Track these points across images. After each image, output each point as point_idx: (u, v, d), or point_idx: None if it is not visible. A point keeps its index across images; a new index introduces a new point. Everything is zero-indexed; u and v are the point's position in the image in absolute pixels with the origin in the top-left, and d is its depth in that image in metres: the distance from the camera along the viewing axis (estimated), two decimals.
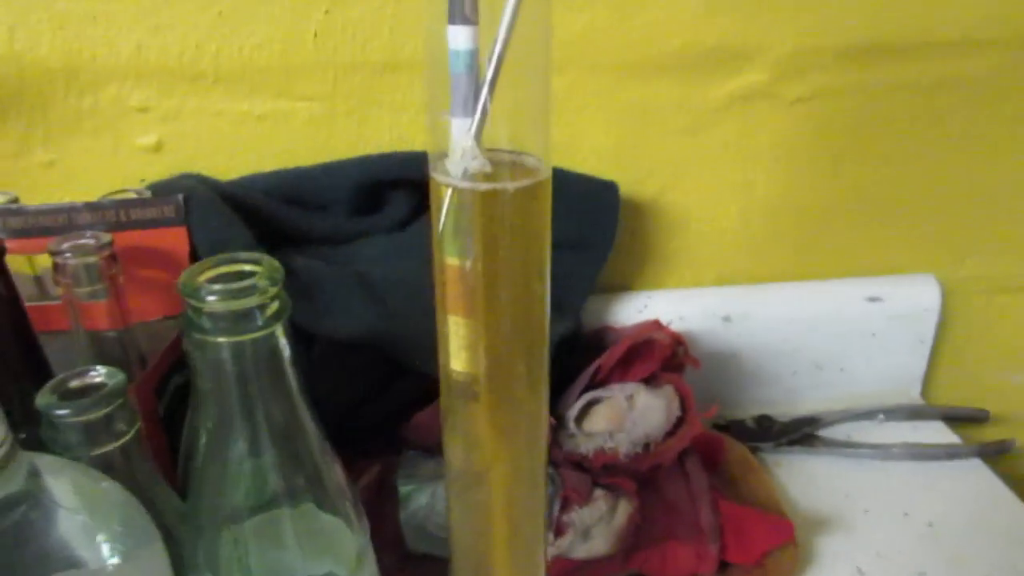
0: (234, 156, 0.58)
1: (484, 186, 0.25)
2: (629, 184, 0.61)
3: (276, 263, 0.27)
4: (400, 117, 0.58)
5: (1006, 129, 0.64)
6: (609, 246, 0.59)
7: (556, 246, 0.54)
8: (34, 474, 0.24)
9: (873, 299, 0.67)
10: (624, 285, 0.65)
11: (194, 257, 0.49)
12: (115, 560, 0.25)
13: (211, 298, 0.26)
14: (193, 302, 0.26)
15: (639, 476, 0.49)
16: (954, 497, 0.60)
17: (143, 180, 0.54)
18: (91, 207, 0.47)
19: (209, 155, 0.57)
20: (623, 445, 0.48)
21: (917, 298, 0.68)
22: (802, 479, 0.62)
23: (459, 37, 0.25)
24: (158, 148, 0.57)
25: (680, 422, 0.50)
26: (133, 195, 0.50)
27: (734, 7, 0.57)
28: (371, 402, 0.52)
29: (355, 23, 0.55)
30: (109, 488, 0.27)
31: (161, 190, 0.51)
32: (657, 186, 0.63)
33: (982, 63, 0.61)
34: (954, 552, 0.55)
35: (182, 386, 0.47)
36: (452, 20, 0.24)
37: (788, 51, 0.59)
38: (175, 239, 0.49)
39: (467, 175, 0.25)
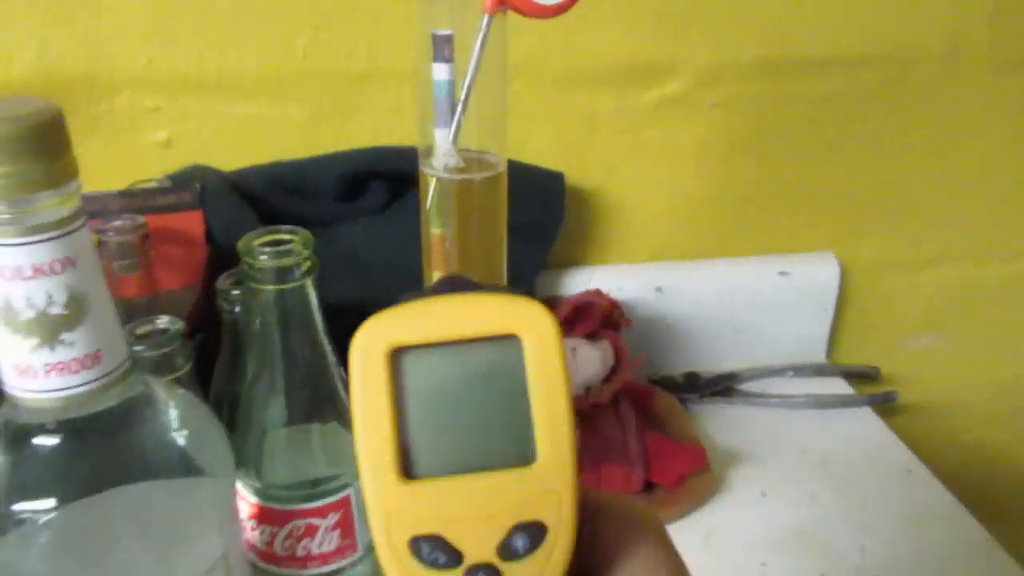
0: (235, 151, 0.67)
1: (458, 177, 0.36)
2: (573, 176, 0.72)
3: (309, 234, 0.37)
4: (378, 118, 0.68)
5: (892, 132, 0.76)
6: (557, 227, 0.69)
7: (512, 229, 0.65)
8: (147, 384, 0.33)
9: (783, 273, 0.79)
10: (572, 261, 0.76)
11: (209, 237, 0.58)
12: (203, 451, 0.34)
13: (263, 257, 0.35)
14: (249, 260, 0.36)
15: (580, 414, 0.60)
16: (845, 437, 0.72)
17: (164, 172, 0.63)
18: (122, 195, 0.57)
19: (213, 150, 0.67)
20: None
21: (819, 273, 0.80)
22: (721, 424, 0.73)
23: (441, 71, 0.35)
24: (168, 144, 0.66)
25: (615, 370, 0.61)
26: (155, 184, 0.59)
27: (659, 28, 0.68)
28: None
29: (338, 40, 0.65)
30: (193, 398, 0.36)
31: (178, 180, 0.60)
32: (598, 178, 0.73)
33: (870, 76, 0.73)
34: (840, 479, 0.67)
35: (202, 344, 0.57)
36: (436, 59, 0.35)
37: (705, 65, 0.70)
38: (192, 221, 0.58)
39: (447, 169, 0.36)
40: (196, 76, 0.64)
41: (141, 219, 0.53)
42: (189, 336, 0.56)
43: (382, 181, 0.66)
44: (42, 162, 0.28)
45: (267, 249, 0.36)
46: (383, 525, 0.19)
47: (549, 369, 0.19)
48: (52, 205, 0.28)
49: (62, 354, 0.29)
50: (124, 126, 0.65)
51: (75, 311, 0.29)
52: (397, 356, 0.19)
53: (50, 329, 0.29)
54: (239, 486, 0.40)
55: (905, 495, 0.65)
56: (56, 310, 0.29)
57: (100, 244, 0.52)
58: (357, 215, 0.65)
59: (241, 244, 0.36)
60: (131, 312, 0.56)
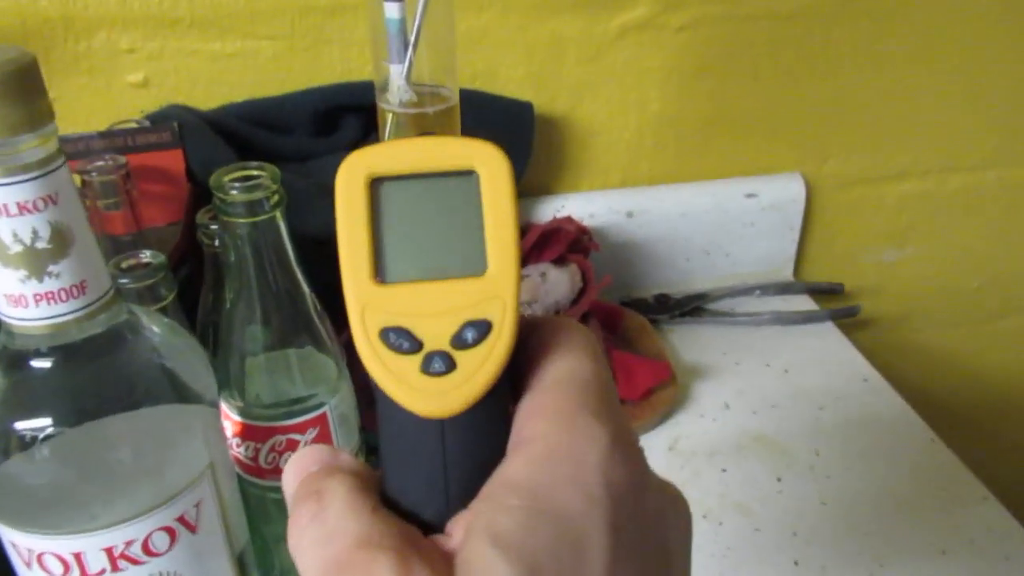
0: (210, 88, 0.69)
1: (413, 111, 0.38)
2: (543, 104, 0.74)
3: (275, 168, 0.39)
4: (349, 51, 0.69)
5: (855, 50, 0.78)
6: (527, 156, 0.71)
7: None
8: (131, 311, 0.36)
9: (750, 195, 0.81)
10: (543, 189, 0.78)
11: (189, 174, 0.61)
12: (186, 369, 0.37)
13: (233, 192, 0.38)
14: (221, 195, 0.38)
15: None
16: (807, 351, 0.76)
17: (142, 111, 0.65)
18: (103, 135, 0.59)
19: (189, 88, 0.68)
20: (538, 311, 0.62)
21: (786, 193, 0.82)
22: (690, 342, 0.76)
23: (392, 10, 0.37)
24: (145, 84, 0.68)
25: (583, 292, 0.64)
26: (135, 124, 0.61)
27: None
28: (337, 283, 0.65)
29: None
30: (173, 323, 0.39)
31: (157, 119, 0.62)
32: (567, 105, 0.75)
33: None
34: (800, 389, 0.70)
35: (186, 278, 0.59)
36: None
37: None
38: (173, 159, 0.60)
39: (402, 104, 0.38)
40: (170, 14, 0.65)
41: (122, 159, 0.55)
42: (174, 270, 0.59)
43: (355, 115, 0.68)
44: (21, 106, 0.30)
45: (237, 184, 0.38)
46: (359, 318, 0.23)
47: (500, 197, 0.23)
48: (32, 146, 0.31)
49: (50, 284, 0.32)
50: (102, 66, 0.67)
51: (59, 244, 0.32)
52: (374, 184, 0.23)
53: (37, 262, 0.32)
54: (223, 406, 0.43)
55: (859, 403, 0.69)
56: (42, 244, 0.32)
57: (84, 184, 0.55)
58: (332, 149, 0.67)
59: (213, 180, 0.38)
60: (118, 249, 0.59)
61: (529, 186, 0.77)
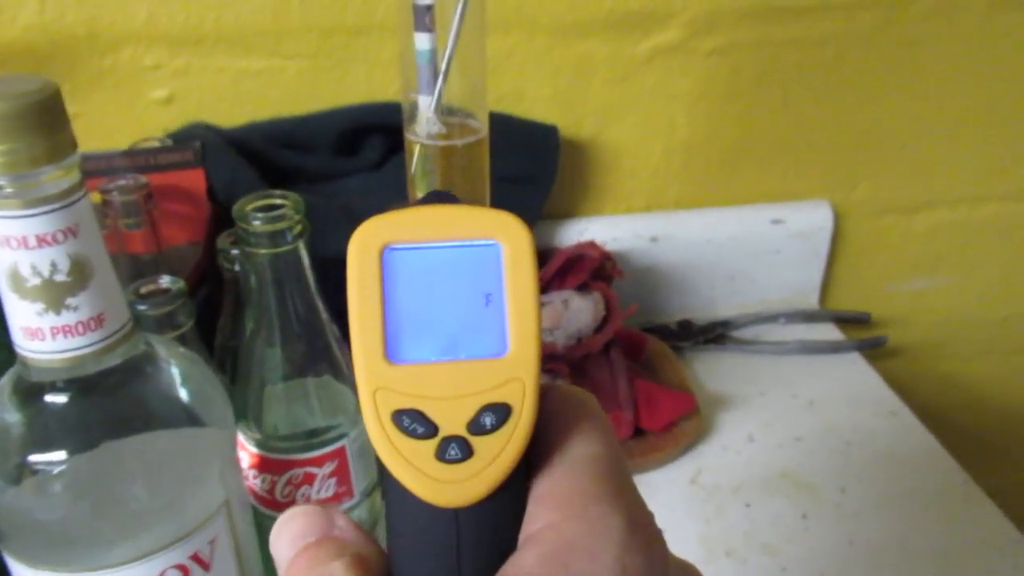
0: (234, 106, 0.68)
1: (441, 143, 0.37)
2: (568, 127, 0.73)
3: (299, 198, 0.39)
4: (374, 71, 0.69)
5: (886, 76, 0.76)
6: (551, 180, 0.70)
7: (507, 180, 0.66)
8: (148, 343, 0.35)
9: (776, 221, 0.80)
10: (567, 213, 0.77)
11: (211, 194, 0.60)
12: (202, 404, 0.37)
13: (256, 222, 0.37)
14: (243, 225, 0.37)
15: (572, 363, 0.62)
16: (833, 382, 0.74)
17: (165, 130, 0.64)
18: (126, 154, 0.58)
19: (213, 106, 0.68)
20: (560, 339, 0.61)
21: (813, 220, 0.81)
22: (713, 371, 0.75)
23: (422, 40, 0.36)
24: (169, 101, 0.67)
25: (606, 320, 0.63)
26: (157, 143, 0.61)
27: None
28: None
29: None
30: (192, 355, 0.38)
31: (179, 138, 0.62)
32: (592, 128, 0.74)
33: (863, 18, 0.73)
34: (826, 422, 0.69)
35: (206, 298, 0.59)
36: (417, 29, 0.36)
37: (701, 12, 0.70)
38: (194, 179, 0.60)
39: (430, 136, 0.37)
40: (195, 31, 0.65)
41: (143, 179, 0.55)
42: (194, 291, 0.59)
43: (379, 135, 0.67)
44: (44, 137, 0.30)
45: (260, 214, 0.37)
46: (371, 400, 0.21)
47: (522, 272, 0.22)
48: (54, 178, 0.30)
49: (67, 318, 0.31)
50: (126, 82, 0.66)
51: (78, 277, 0.31)
52: (388, 253, 0.22)
53: (55, 295, 0.31)
54: (240, 437, 0.43)
55: (888, 438, 0.67)
56: (60, 277, 0.31)
57: (105, 203, 0.54)
58: (355, 169, 0.67)
59: (235, 209, 0.38)
60: (138, 267, 0.59)
61: (553, 209, 0.76)
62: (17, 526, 0.34)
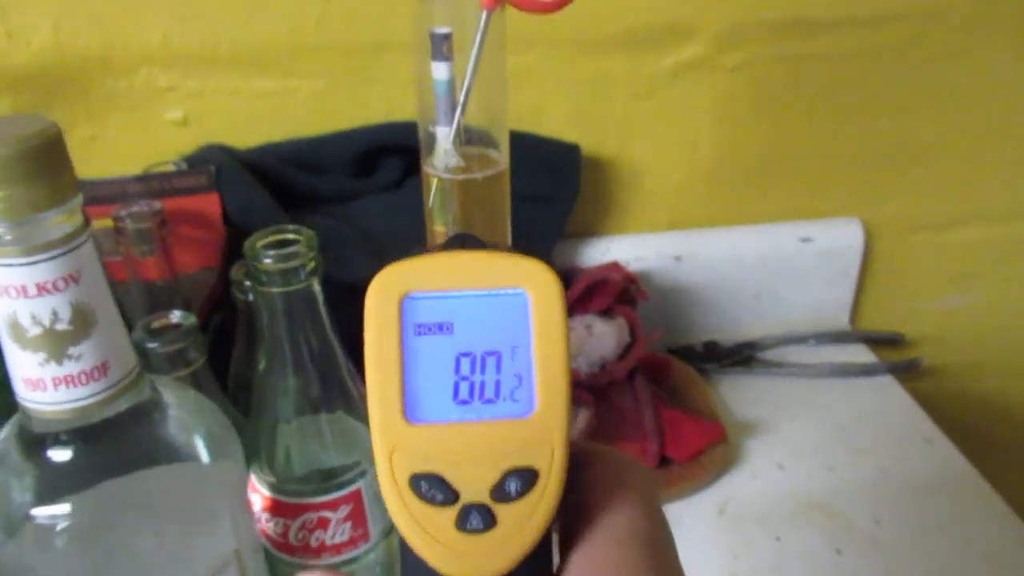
0: (250, 127, 0.67)
1: (460, 176, 0.35)
2: (590, 145, 0.71)
3: (312, 233, 0.37)
4: (391, 91, 0.67)
5: (915, 90, 0.74)
6: (573, 199, 0.69)
7: (527, 200, 0.64)
8: (154, 387, 0.34)
9: (804, 239, 0.78)
10: (589, 231, 0.75)
11: (226, 218, 0.59)
12: (210, 450, 0.35)
13: (267, 260, 0.36)
14: (255, 263, 0.36)
15: (596, 390, 0.60)
16: (866, 407, 0.71)
17: (179, 154, 0.63)
18: (139, 179, 0.57)
19: (229, 127, 0.67)
20: (583, 366, 0.59)
21: (842, 238, 0.78)
22: (740, 394, 0.73)
23: (440, 70, 0.34)
24: (184, 122, 0.66)
25: (630, 346, 0.61)
26: (172, 167, 0.60)
27: None
28: None
29: (350, 11, 0.64)
30: (200, 397, 0.37)
31: (194, 161, 0.61)
32: (615, 146, 0.72)
33: (891, 34, 0.70)
34: (858, 450, 0.66)
35: (220, 325, 0.58)
36: (435, 58, 0.34)
37: (725, 27, 0.68)
38: (209, 203, 0.59)
39: (448, 169, 0.35)
40: (210, 52, 0.64)
41: (158, 205, 0.54)
42: (208, 318, 0.58)
43: (396, 156, 0.66)
44: (45, 182, 0.28)
45: (272, 252, 0.36)
46: (387, 462, 0.20)
47: (551, 325, 0.20)
48: (56, 223, 0.29)
49: (70, 368, 0.30)
50: (141, 104, 0.65)
51: (81, 325, 0.30)
52: (408, 303, 0.20)
53: (57, 344, 0.30)
54: (253, 479, 0.41)
55: (924, 466, 0.65)
56: (62, 326, 0.30)
57: (118, 230, 0.53)
58: (372, 191, 0.65)
59: (246, 246, 0.36)
60: (151, 294, 0.57)
61: (575, 227, 0.74)
62: None
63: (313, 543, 0.40)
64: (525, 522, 0.20)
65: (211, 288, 0.58)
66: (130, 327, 0.41)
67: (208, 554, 0.35)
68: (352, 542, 0.41)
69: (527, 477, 0.20)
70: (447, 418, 0.20)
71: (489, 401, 0.20)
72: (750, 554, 0.57)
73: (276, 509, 0.41)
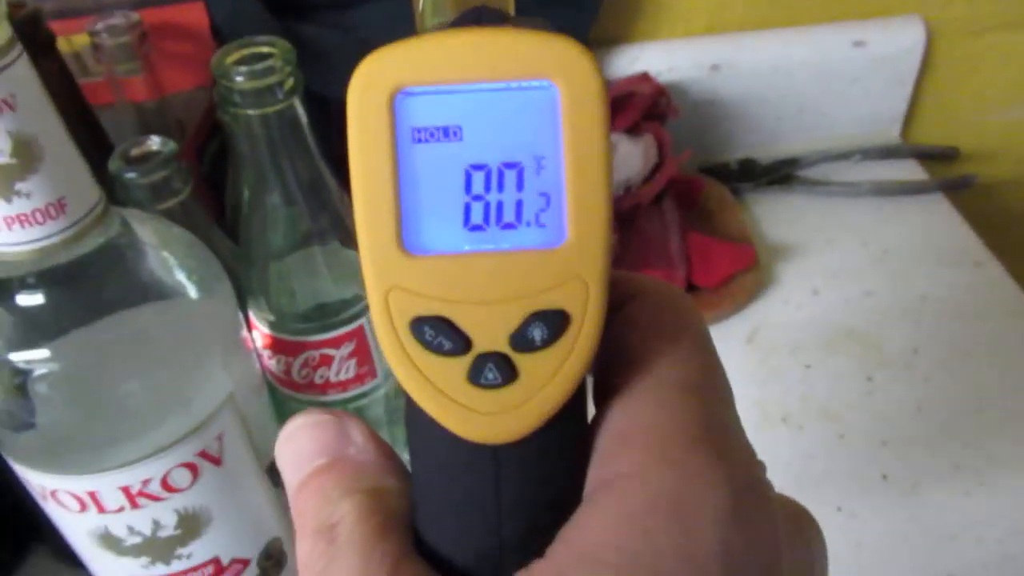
0: None
1: None
2: None
3: (288, 45, 0.33)
4: None
5: None
6: (598, 2, 0.62)
7: (546, 4, 0.58)
8: (124, 223, 0.31)
9: (858, 43, 0.70)
10: (615, 39, 0.69)
11: (215, 30, 0.54)
12: (193, 284, 0.33)
13: (239, 78, 0.31)
14: (225, 82, 0.32)
15: (620, 215, 0.56)
16: (912, 228, 0.67)
17: None
18: None
19: None
20: None
21: (901, 40, 0.71)
22: (777, 215, 0.68)
23: None
24: None
25: (657, 166, 0.56)
26: None
27: None
28: None
29: None
30: (180, 232, 0.34)
31: None
32: None
33: None
34: (900, 274, 0.63)
35: (218, 150, 0.54)
36: None
37: None
38: (194, 14, 0.53)
39: None
40: None
41: (135, 16, 0.49)
42: (204, 142, 0.54)
43: None
44: None
45: (243, 69, 0.31)
46: (382, 304, 0.16)
47: (588, 128, 0.16)
48: None
49: (21, 205, 0.27)
50: None
51: (25, 158, 0.27)
52: (402, 101, 0.16)
53: (1, 179, 0.26)
54: (252, 317, 0.39)
55: (969, 292, 0.61)
56: (3, 159, 0.26)
57: (96, 47, 0.49)
58: None
59: (213, 63, 0.32)
60: (142, 117, 0.54)
61: (599, 35, 0.67)
62: (8, 429, 0.31)
63: (318, 380, 0.39)
64: (552, 376, 0.16)
65: (206, 109, 0.54)
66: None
67: (204, 397, 0.33)
68: (359, 378, 0.39)
69: (555, 321, 0.16)
70: (455, 248, 0.16)
71: (508, 226, 0.16)
72: (778, 382, 0.56)
73: (276, 347, 0.39)
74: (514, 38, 0.16)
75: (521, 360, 0.16)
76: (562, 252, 0.16)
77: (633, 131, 0.57)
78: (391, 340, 0.16)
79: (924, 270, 0.63)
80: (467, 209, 0.16)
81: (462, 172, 0.16)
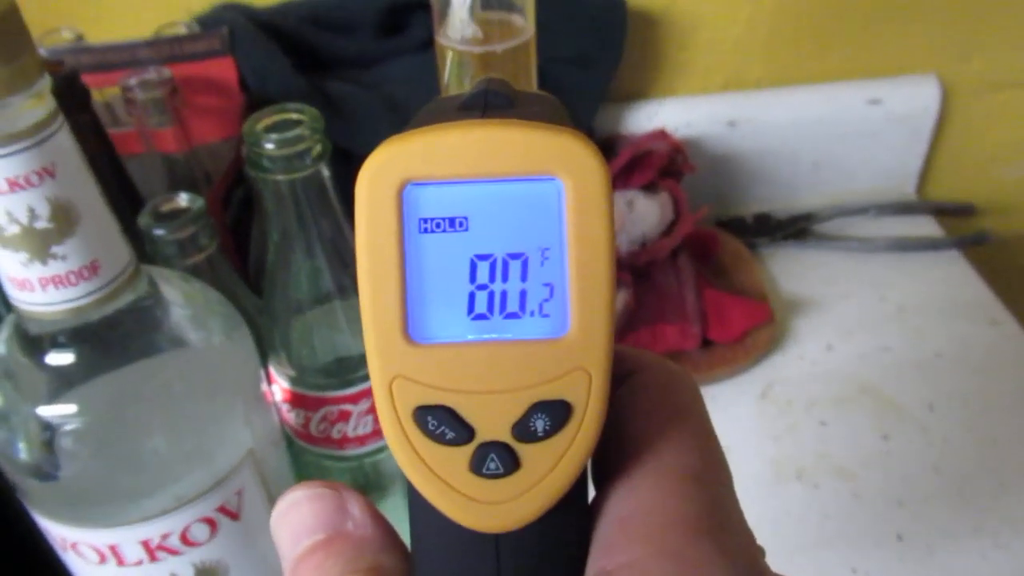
0: None
1: (478, 49, 0.31)
2: None
3: (316, 112, 0.34)
4: None
5: None
6: (616, 60, 0.63)
7: (564, 63, 0.59)
8: (152, 282, 0.32)
9: (873, 101, 0.71)
10: (636, 94, 0.70)
11: (243, 84, 0.55)
12: (216, 341, 0.33)
13: (269, 145, 0.32)
14: (255, 148, 0.33)
15: (636, 270, 0.57)
16: (927, 284, 0.67)
17: (191, 12, 0.59)
18: (149, 44, 0.53)
19: None
20: (623, 244, 0.56)
21: (917, 98, 0.71)
22: (792, 270, 0.69)
23: None
24: None
25: (674, 223, 0.57)
26: (183, 28, 0.56)
27: None
28: None
29: None
30: (202, 288, 0.35)
31: (207, 23, 0.56)
32: None
33: None
34: (916, 329, 0.63)
35: (244, 199, 0.55)
36: None
37: None
38: (224, 68, 0.55)
39: (464, 40, 0.31)
40: None
41: (167, 72, 0.50)
42: (229, 192, 0.55)
43: (426, 11, 0.60)
44: (4, 63, 0.25)
45: (274, 136, 0.33)
46: (386, 393, 0.17)
47: (592, 222, 0.16)
48: (21, 110, 0.26)
49: (56, 267, 0.28)
50: None
51: (62, 223, 0.28)
52: (411, 193, 0.16)
53: (38, 243, 0.27)
54: (272, 371, 0.40)
55: (987, 350, 0.61)
56: (41, 224, 0.27)
57: (128, 101, 0.50)
58: (399, 51, 0.61)
59: (245, 130, 0.33)
60: (171, 167, 0.55)
61: (619, 90, 0.69)
62: (33, 482, 0.32)
63: (335, 435, 0.39)
64: (554, 466, 0.17)
65: (233, 160, 0.55)
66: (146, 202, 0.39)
67: (225, 451, 0.34)
68: (376, 434, 0.40)
69: (558, 412, 0.16)
70: (459, 337, 0.17)
71: (512, 316, 0.17)
72: (793, 439, 0.56)
73: (296, 401, 0.39)
74: (521, 134, 0.16)
75: (523, 450, 0.16)
76: (565, 342, 0.16)
77: (650, 188, 0.57)
78: (394, 429, 0.17)
79: (940, 326, 0.63)
80: (471, 298, 0.17)
81: (467, 262, 0.16)
